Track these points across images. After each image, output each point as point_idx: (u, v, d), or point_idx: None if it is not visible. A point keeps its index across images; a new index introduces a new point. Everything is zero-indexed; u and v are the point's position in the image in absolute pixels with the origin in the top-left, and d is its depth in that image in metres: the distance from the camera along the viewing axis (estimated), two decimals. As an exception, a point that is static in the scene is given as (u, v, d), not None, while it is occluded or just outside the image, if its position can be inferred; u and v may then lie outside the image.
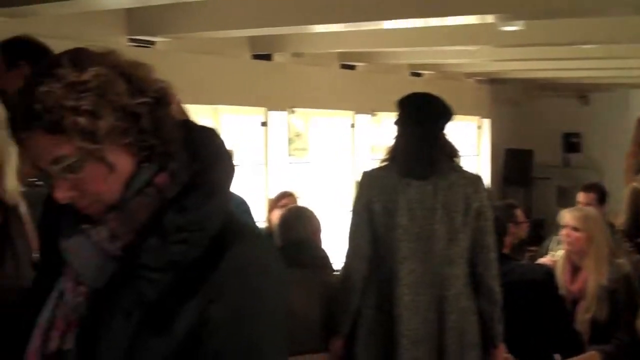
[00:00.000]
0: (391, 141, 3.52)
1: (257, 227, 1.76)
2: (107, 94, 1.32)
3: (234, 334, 1.36)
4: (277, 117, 6.49)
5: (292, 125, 6.72)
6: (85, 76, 1.31)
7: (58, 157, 1.33)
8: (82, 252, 1.40)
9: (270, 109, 6.41)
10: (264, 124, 6.36)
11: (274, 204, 5.16)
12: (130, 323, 1.36)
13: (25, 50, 3.36)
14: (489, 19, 4.68)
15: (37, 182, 2.59)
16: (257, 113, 6.30)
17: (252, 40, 6.12)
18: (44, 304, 1.45)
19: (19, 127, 1.34)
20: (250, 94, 6.09)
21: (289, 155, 6.70)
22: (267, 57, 6.35)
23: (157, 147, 1.37)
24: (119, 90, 1.33)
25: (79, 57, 1.34)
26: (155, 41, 5.26)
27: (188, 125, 1.46)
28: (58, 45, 4.05)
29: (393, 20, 4.70)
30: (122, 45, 4.94)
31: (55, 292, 1.44)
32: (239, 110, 6.13)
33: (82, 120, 1.30)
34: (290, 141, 6.72)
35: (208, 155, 1.43)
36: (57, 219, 1.46)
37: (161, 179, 1.39)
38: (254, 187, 6.07)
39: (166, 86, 1.40)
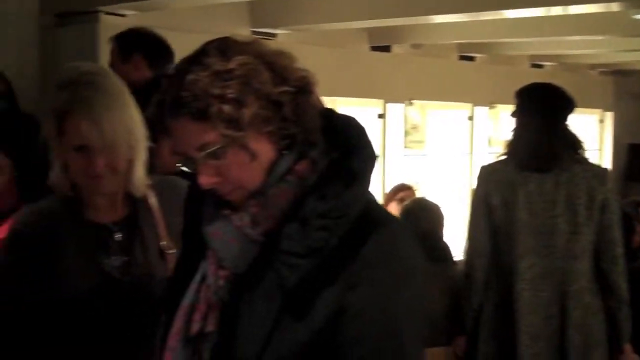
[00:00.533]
0: (510, 133, 3.45)
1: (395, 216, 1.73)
2: (252, 83, 1.34)
3: (374, 322, 1.36)
4: (394, 109, 6.47)
5: (409, 117, 6.68)
6: (231, 65, 1.34)
7: (203, 144, 1.36)
8: (225, 237, 1.43)
9: (388, 100, 6.39)
10: (381, 116, 6.35)
11: (390, 196, 5.14)
12: (271, 308, 1.38)
13: (139, 43, 3.46)
14: (615, 7, 4.52)
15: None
16: (374, 105, 6.29)
17: (371, 31, 6.12)
18: (186, 288, 1.49)
19: (167, 114, 1.38)
20: (368, 86, 6.08)
21: (405, 147, 6.67)
22: (385, 49, 6.34)
23: (298, 136, 1.40)
24: (263, 78, 1.35)
25: (225, 46, 1.37)
26: (277, 33, 5.33)
27: (328, 114, 1.47)
28: (183, 39, 4.17)
29: (514, 10, 4.60)
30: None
31: (197, 276, 1.48)
32: (357, 102, 6.14)
33: (227, 108, 1.33)
34: (406, 133, 6.68)
35: (347, 143, 1.43)
36: (201, 204, 1.50)
37: (302, 166, 1.41)
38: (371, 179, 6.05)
39: (308, 75, 1.42)
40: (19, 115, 3.65)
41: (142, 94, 3.39)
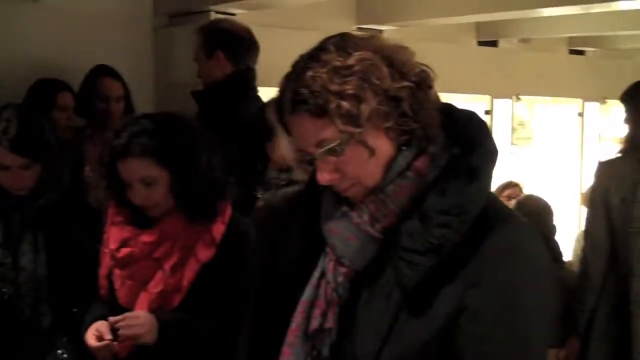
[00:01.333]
0: (625, 129, 3.34)
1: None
2: (370, 78, 1.33)
3: (498, 322, 1.34)
4: (502, 105, 6.37)
5: (516, 113, 6.56)
6: (350, 60, 1.34)
7: (321, 140, 1.37)
8: (344, 234, 1.43)
9: (495, 96, 6.29)
10: (487, 112, 6.26)
11: (497, 193, 5.07)
12: (390, 305, 1.38)
13: (221, 39, 3.52)
14: None
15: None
16: (480, 101, 6.20)
17: (478, 26, 6.04)
18: (303, 284, 1.50)
19: (286, 111, 1.39)
20: (475, 82, 6.00)
21: (512, 144, 6.55)
22: (492, 44, 6.24)
23: (417, 132, 1.38)
24: (382, 74, 1.34)
25: (343, 42, 1.37)
26: (383, 30, 5.32)
27: (448, 109, 1.46)
28: (292, 36, 4.24)
29: (627, 1, 4.44)
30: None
31: (316, 272, 1.49)
32: (463, 98, 6.07)
33: (345, 104, 1.32)
34: (513, 130, 6.56)
35: (468, 139, 1.42)
36: (319, 201, 1.50)
37: (421, 162, 1.39)
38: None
39: (427, 70, 1.40)
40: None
41: (222, 89, 3.52)
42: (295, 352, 1.47)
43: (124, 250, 2.17)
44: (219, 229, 2.15)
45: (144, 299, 2.12)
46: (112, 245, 2.20)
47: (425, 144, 1.40)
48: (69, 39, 4.13)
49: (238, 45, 3.54)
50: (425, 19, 5.17)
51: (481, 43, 6.17)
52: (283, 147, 2.95)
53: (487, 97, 6.25)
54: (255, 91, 3.56)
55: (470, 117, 1.47)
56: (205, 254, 2.13)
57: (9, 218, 2.50)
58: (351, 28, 5.13)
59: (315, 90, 1.33)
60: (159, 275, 2.12)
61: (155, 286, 2.12)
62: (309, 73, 1.35)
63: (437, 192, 1.37)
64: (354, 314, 1.42)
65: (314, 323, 1.45)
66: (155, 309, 2.12)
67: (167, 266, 2.12)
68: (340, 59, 1.34)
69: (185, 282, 2.11)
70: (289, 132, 1.42)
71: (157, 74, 4.51)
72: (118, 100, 3.77)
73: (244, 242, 2.14)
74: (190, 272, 2.11)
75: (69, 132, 3.73)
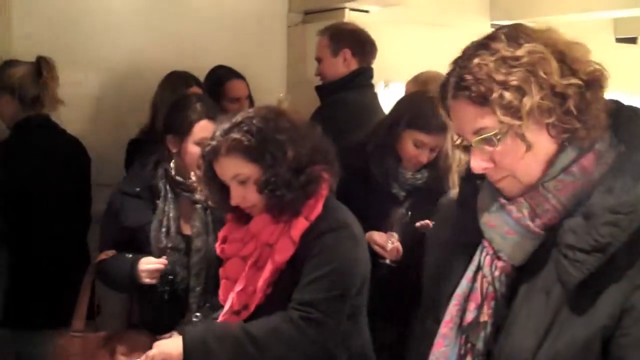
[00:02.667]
0: None
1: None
2: (537, 71, 1.31)
3: None
4: (640, 104, 6.13)
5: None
6: (519, 52, 1.32)
7: (480, 128, 1.36)
8: (502, 228, 1.42)
9: (634, 94, 6.06)
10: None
11: None
12: (550, 301, 1.36)
13: (348, 38, 3.66)
14: None
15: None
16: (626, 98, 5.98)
17: (617, 22, 5.84)
18: (457, 276, 1.51)
19: (449, 95, 1.39)
20: (612, 79, 5.80)
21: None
22: (632, 41, 6.02)
23: (579, 131, 1.35)
24: (550, 68, 1.32)
25: (515, 33, 1.35)
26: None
27: (615, 105, 1.42)
28: (425, 32, 4.22)
29: None
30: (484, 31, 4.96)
31: (472, 266, 1.48)
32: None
33: (508, 94, 1.31)
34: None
35: (633, 136, 1.38)
36: (475, 193, 1.50)
37: (587, 160, 1.36)
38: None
39: (600, 69, 1.36)
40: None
41: (347, 83, 3.65)
42: (448, 344, 1.47)
43: (220, 247, 2.21)
44: (299, 227, 2.07)
45: (231, 297, 2.13)
46: (217, 242, 2.25)
47: (590, 143, 1.36)
48: (204, 35, 4.27)
49: (363, 44, 3.76)
50: (560, 14, 5.04)
51: (620, 40, 5.96)
52: (409, 146, 2.97)
53: (625, 95, 6.02)
54: (374, 88, 3.78)
55: (636, 114, 1.42)
56: (282, 254, 2.07)
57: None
58: (485, 24, 5.08)
59: (479, 78, 1.33)
60: (244, 273, 2.12)
61: (239, 285, 2.11)
62: (476, 60, 1.34)
63: (604, 190, 1.33)
64: (511, 310, 1.41)
65: (469, 316, 1.45)
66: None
67: (249, 265, 2.11)
68: (510, 49, 1.33)
69: (261, 283, 2.07)
70: (449, 116, 1.42)
71: (289, 71, 4.59)
72: (246, 100, 3.95)
73: (330, 239, 2.06)
74: (266, 272, 2.07)
75: None
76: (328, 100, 3.73)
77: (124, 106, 4.03)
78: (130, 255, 2.71)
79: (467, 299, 1.46)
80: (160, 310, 2.70)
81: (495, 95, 1.32)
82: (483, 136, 1.36)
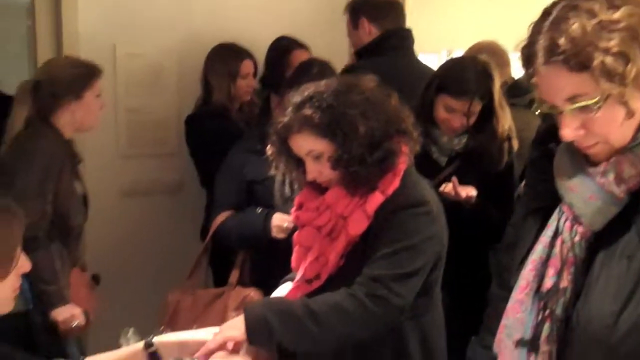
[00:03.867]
0: None
1: None
2: (638, 36, 1.27)
3: None
4: None
5: None
6: (617, 15, 1.28)
7: (576, 95, 1.32)
8: (585, 193, 1.39)
9: None
10: None
11: None
12: (631, 268, 1.33)
13: (363, 8, 3.60)
14: None
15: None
16: None
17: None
18: (530, 241, 1.49)
19: (538, 60, 1.35)
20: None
21: None
22: None
23: None
24: None
25: None
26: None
27: None
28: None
29: None
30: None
31: (548, 231, 1.46)
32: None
33: (610, 61, 1.27)
34: None
35: None
36: (549, 157, 1.47)
37: None
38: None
39: None
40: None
41: (372, 50, 3.53)
42: (525, 310, 1.46)
43: (295, 214, 2.20)
44: (375, 201, 2.04)
45: (303, 266, 2.12)
46: (293, 208, 2.24)
47: None
48: (263, 8, 4.25)
49: (378, 8, 3.62)
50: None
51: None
52: (440, 111, 2.93)
53: None
54: (411, 50, 3.61)
55: None
56: (356, 227, 2.04)
57: None
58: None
59: (577, 43, 1.28)
60: (318, 243, 2.10)
61: (312, 254, 2.10)
62: (572, 23, 1.29)
63: None
64: (591, 275, 1.39)
65: (548, 282, 1.43)
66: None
67: (324, 234, 2.09)
68: (607, 12, 1.28)
69: (333, 254, 2.06)
70: (535, 80, 1.38)
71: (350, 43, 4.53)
72: None
73: (405, 215, 2.02)
74: (339, 245, 2.05)
75: (247, 95, 3.93)
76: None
77: (185, 80, 4.04)
78: (260, 210, 2.88)
79: (544, 264, 1.44)
80: (273, 268, 2.75)
81: (596, 61, 1.27)
82: (581, 104, 1.32)
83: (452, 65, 3.07)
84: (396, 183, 2.06)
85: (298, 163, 2.14)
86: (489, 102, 2.93)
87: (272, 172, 2.22)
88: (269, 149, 2.18)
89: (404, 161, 2.09)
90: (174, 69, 4.09)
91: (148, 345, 1.90)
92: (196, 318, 2.79)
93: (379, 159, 2.03)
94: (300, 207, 2.18)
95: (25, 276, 2.78)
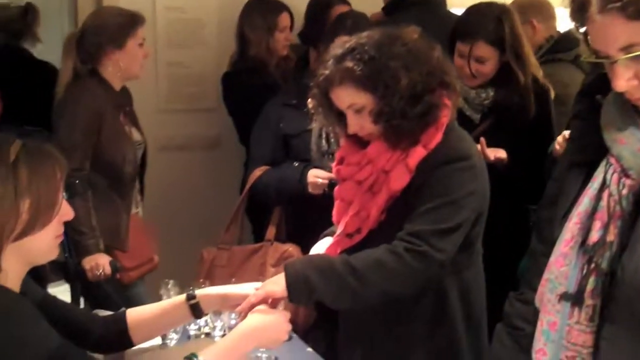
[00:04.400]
0: None
1: None
2: None
3: None
4: None
5: None
6: None
7: (630, 44, 1.29)
8: (634, 145, 1.37)
9: None
10: None
11: None
12: None
13: None
14: None
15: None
16: None
17: None
18: (574, 195, 1.46)
19: (592, 9, 1.32)
20: None
21: None
22: None
23: None
24: None
25: None
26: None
27: None
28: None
29: None
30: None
31: (595, 183, 1.43)
32: None
33: None
34: None
35: None
36: (595, 109, 1.44)
37: None
38: None
39: None
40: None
41: (397, 5, 3.54)
42: (569, 263, 1.43)
43: (336, 168, 2.17)
44: (416, 155, 2.01)
45: (344, 220, 2.10)
46: (334, 162, 2.21)
47: None
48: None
49: None
50: None
51: None
52: (456, 58, 2.89)
53: None
54: (439, 4, 3.58)
55: None
56: (398, 182, 2.01)
57: None
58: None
59: None
60: (359, 197, 2.07)
61: (352, 209, 2.08)
62: None
63: None
64: (636, 229, 1.36)
65: (594, 235, 1.40)
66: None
67: (365, 189, 2.06)
68: None
69: (374, 209, 2.03)
70: (586, 28, 1.35)
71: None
72: None
73: (447, 170, 1.99)
74: (381, 199, 2.02)
75: (285, 50, 3.89)
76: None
77: (224, 34, 4.02)
78: (297, 164, 2.90)
79: (590, 217, 1.41)
80: (309, 223, 2.76)
81: None
82: (636, 53, 1.29)
83: (467, 10, 3.02)
84: (438, 137, 2.03)
85: (339, 117, 2.11)
86: (504, 50, 2.87)
87: (312, 125, 2.20)
88: (310, 102, 2.16)
89: (446, 114, 2.05)
90: (214, 23, 4.08)
91: (190, 297, 1.91)
92: (232, 274, 2.80)
93: (420, 113, 1.99)
94: (341, 161, 2.16)
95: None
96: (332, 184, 2.72)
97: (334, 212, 2.18)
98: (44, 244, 1.56)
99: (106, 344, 1.87)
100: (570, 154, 1.60)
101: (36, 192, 1.50)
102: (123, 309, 1.96)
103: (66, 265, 3.00)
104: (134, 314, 1.89)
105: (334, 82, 2.03)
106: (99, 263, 2.97)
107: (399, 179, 2.01)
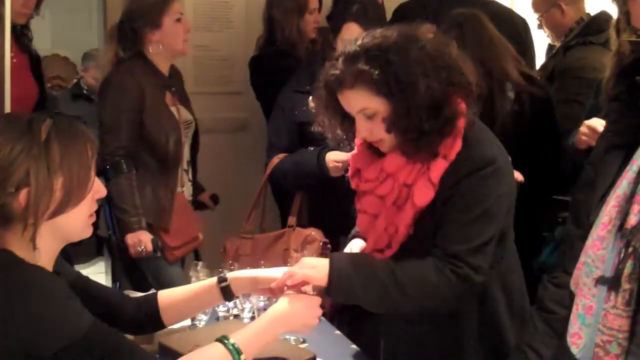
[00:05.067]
0: None
1: None
2: None
3: None
4: None
5: None
6: None
7: None
8: None
9: None
10: None
11: None
12: None
13: None
14: None
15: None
16: None
17: None
18: (612, 178, 1.45)
19: None
20: None
21: None
22: None
23: None
24: None
25: None
26: None
27: None
28: None
29: None
30: None
31: (634, 166, 1.41)
32: None
33: None
34: None
35: None
36: (635, 90, 1.42)
37: None
38: None
39: None
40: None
41: None
42: (606, 247, 1.41)
43: (354, 182, 2.07)
44: (439, 169, 1.91)
45: (372, 235, 2.02)
46: (349, 172, 2.11)
47: None
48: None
49: None
50: None
51: None
52: None
53: None
54: None
55: None
56: (422, 198, 1.91)
57: None
58: None
59: None
60: (384, 212, 1.98)
61: (379, 224, 1.99)
62: None
63: None
64: None
65: (633, 219, 1.38)
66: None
67: (389, 203, 1.96)
68: None
69: (402, 226, 1.94)
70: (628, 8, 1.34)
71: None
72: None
73: (473, 180, 1.90)
74: (407, 215, 1.93)
75: (313, 33, 3.87)
76: None
77: (253, 18, 4.01)
78: (312, 148, 2.88)
79: (629, 201, 1.39)
80: (330, 209, 2.78)
81: None
82: None
83: None
84: (458, 145, 1.93)
85: (343, 119, 2.02)
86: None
87: (315, 128, 2.11)
88: (314, 101, 2.06)
89: (463, 120, 1.94)
90: (241, 6, 4.08)
91: (221, 280, 1.91)
92: (257, 262, 2.80)
93: (439, 126, 1.90)
94: (356, 172, 2.07)
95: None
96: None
97: (359, 223, 2.10)
98: (78, 221, 1.57)
99: (137, 325, 1.88)
100: (608, 136, 1.58)
101: (68, 170, 1.50)
102: (154, 290, 1.97)
103: (109, 242, 3.03)
104: (165, 296, 1.90)
105: (346, 84, 1.91)
106: (141, 240, 3.01)
107: (424, 195, 1.92)
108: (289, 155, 3.02)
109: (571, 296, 1.51)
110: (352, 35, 2.23)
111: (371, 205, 2.03)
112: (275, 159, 3.03)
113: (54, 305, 1.48)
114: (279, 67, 3.63)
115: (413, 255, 1.93)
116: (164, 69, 3.17)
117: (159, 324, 1.90)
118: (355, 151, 2.11)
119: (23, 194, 1.48)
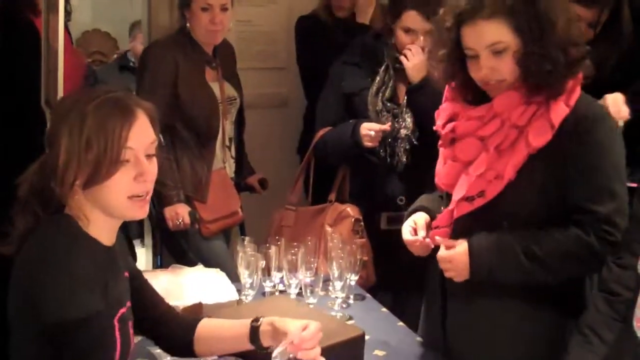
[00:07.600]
0: None
1: None
2: None
3: None
4: None
5: None
6: None
7: None
8: None
9: None
10: None
11: None
12: None
13: None
14: None
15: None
16: None
17: None
18: None
19: None
20: None
21: None
22: None
23: None
24: None
25: None
26: None
27: None
28: None
29: None
30: None
31: None
32: None
33: None
34: None
35: None
36: None
37: None
38: None
39: None
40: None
41: None
42: None
43: (449, 126, 1.97)
44: (560, 112, 1.82)
45: (463, 182, 1.90)
46: (440, 121, 2.02)
47: None
48: None
49: None
50: None
51: None
52: None
53: None
54: None
55: None
56: (539, 139, 1.82)
57: None
58: None
59: None
60: (483, 156, 1.88)
61: (476, 168, 1.88)
62: None
63: None
64: None
65: None
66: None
67: (492, 146, 1.87)
68: None
69: (510, 169, 1.84)
70: None
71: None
72: None
73: (599, 133, 1.82)
74: (518, 157, 1.83)
75: (371, 7, 3.84)
76: None
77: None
78: (351, 120, 2.89)
79: None
80: (370, 184, 2.77)
81: None
82: None
83: None
84: (578, 92, 1.86)
85: (453, 52, 1.91)
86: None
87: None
88: (432, 24, 1.99)
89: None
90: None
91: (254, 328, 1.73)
92: (298, 234, 2.84)
93: (572, 61, 1.83)
94: (449, 120, 1.99)
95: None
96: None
97: (443, 174, 2.00)
98: (113, 197, 1.56)
99: (167, 344, 1.82)
100: None
101: (97, 146, 1.51)
102: (201, 317, 1.85)
103: (150, 214, 3.04)
104: (206, 328, 1.79)
105: (482, 14, 1.81)
106: (178, 212, 3.03)
107: (541, 135, 1.82)
108: (331, 128, 3.01)
109: (637, 278, 1.47)
110: (413, 25, 2.38)
111: (468, 148, 1.94)
112: (321, 132, 3.01)
113: (61, 282, 1.47)
114: (325, 41, 3.61)
115: (507, 207, 1.86)
116: (206, 46, 3.15)
117: (189, 353, 1.80)
118: (443, 103, 2.04)
119: (62, 159, 1.52)
